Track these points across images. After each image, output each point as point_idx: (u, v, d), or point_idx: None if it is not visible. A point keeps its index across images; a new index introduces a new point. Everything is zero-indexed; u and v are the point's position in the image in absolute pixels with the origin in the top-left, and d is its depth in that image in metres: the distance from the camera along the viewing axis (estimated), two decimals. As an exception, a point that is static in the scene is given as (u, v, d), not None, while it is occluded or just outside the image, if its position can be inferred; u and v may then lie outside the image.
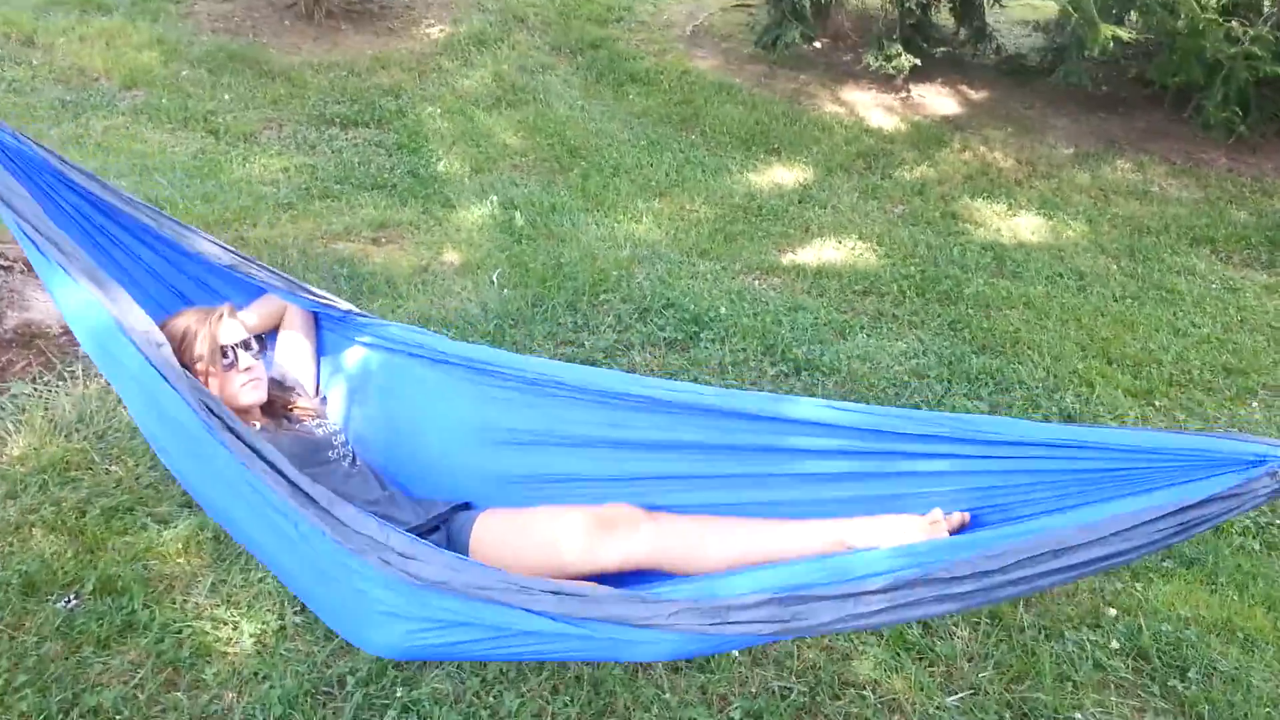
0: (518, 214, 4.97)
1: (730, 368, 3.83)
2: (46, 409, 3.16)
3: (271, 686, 2.35)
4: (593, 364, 3.78)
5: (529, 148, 6.01)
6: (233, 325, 2.21)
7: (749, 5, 8.47)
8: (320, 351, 2.51)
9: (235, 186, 5.05)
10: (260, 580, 2.64)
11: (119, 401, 3.24)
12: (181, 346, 2.14)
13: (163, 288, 2.48)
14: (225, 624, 2.52)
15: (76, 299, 1.94)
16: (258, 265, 2.31)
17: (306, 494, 1.73)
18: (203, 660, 2.41)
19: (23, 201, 2.03)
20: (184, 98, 6.12)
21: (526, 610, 1.56)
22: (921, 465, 1.82)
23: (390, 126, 6.09)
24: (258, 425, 2.18)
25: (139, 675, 2.34)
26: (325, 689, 2.37)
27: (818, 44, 7.89)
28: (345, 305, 2.38)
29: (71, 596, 2.52)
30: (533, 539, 2.01)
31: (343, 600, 1.73)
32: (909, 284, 4.68)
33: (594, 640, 1.56)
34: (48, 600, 2.50)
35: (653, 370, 3.79)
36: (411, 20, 8.07)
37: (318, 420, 2.31)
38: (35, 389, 3.23)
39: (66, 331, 3.57)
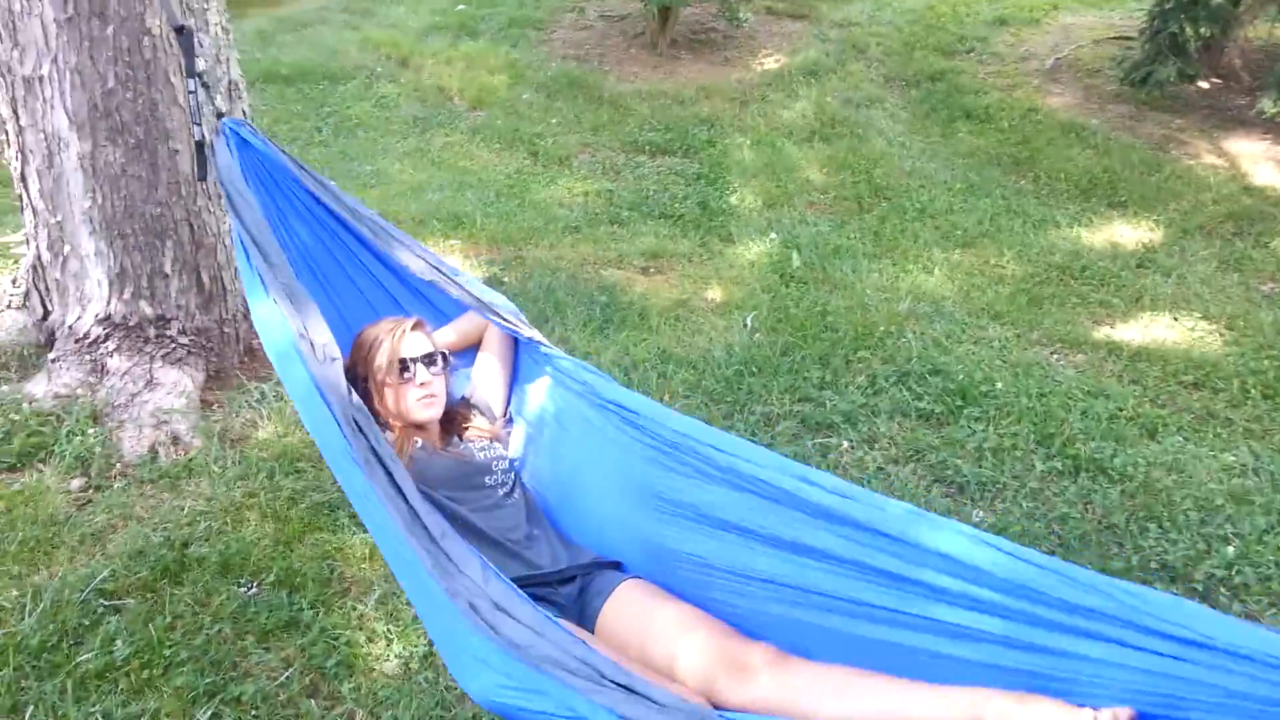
0: (796, 254, 4.70)
1: (989, 454, 3.28)
2: (300, 400, 3.42)
3: (394, 716, 2.31)
4: (829, 427, 3.43)
5: (831, 184, 5.70)
6: (416, 339, 2.22)
7: (1127, 38, 7.48)
8: (514, 376, 2.46)
9: (535, 207, 5.27)
10: (422, 602, 2.63)
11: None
12: (366, 355, 2.21)
13: (383, 295, 2.57)
14: (379, 639, 2.53)
15: (266, 312, 2.03)
16: (456, 282, 2.29)
17: (422, 524, 1.68)
18: (345, 672, 2.43)
19: (249, 210, 2.15)
20: (517, 119, 6.54)
21: (590, 700, 1.37)
22: (1079, 646, 1.37)
23: (696, 156, 6.07)
24: (419, 442, 2.15)
25: (285, 675, 2.40)
26: (444, 731, 2.29)
27: (1203, 84, 6.76)
28: (529, 331, 2.31)
29: (254, 585, 2.67)
30: (658, 638, 1.82)
31: (449, 636, 1.66)
32: (1257, 381, 3.78)
33: None
34: (236, 583, 2.66)
35: (895, 444, 3.35)
36: (750, 50, 8.06)
37: (485, 445, 2.24)
38: (296, 380, 3.52)
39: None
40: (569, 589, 1.97)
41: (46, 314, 3.54)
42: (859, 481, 3.08)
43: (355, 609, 2.62)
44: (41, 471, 3.05)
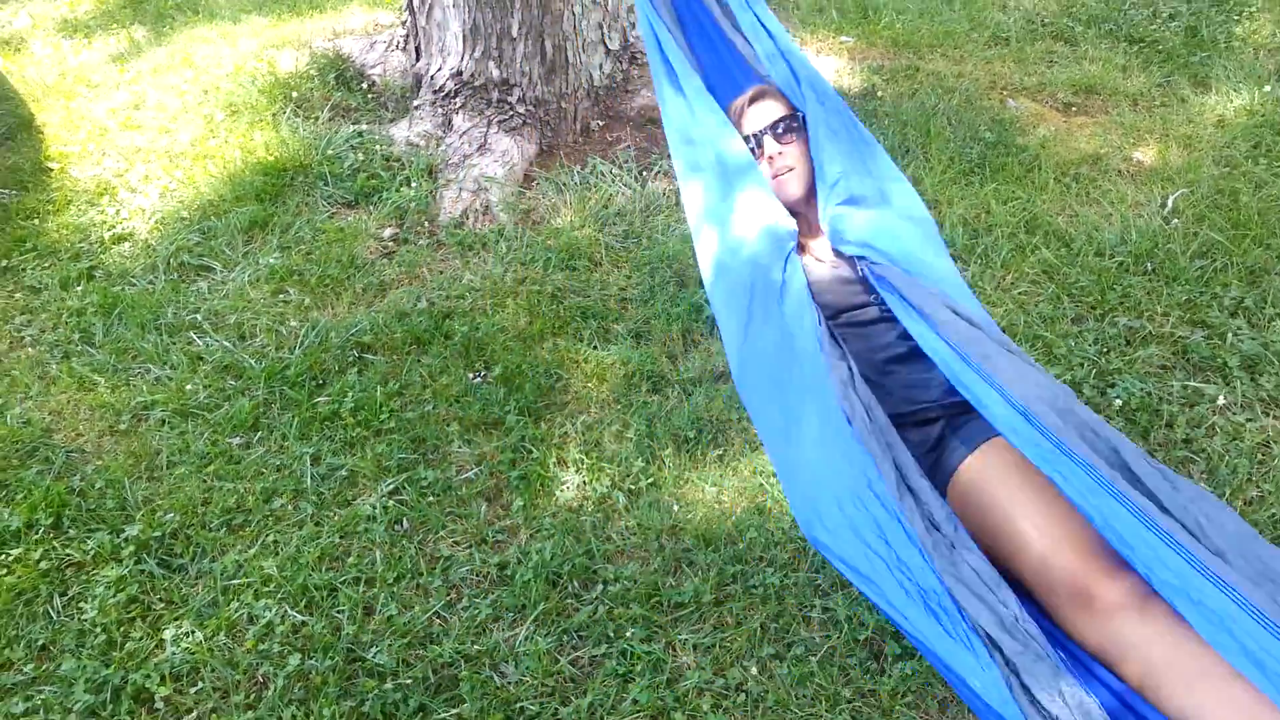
0: (1293, 118, 3.42)
1: None
2: (609, 191, 3.26)
3: (543, 549, 2.20)
4: (1216, 370, 2.53)
5: None
6: (759, 110, 1.90)
7: None
8: None
9: (967, 7, 4.38)
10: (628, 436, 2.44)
11: (653, 211, 3.20)
12: None
13: None
14: (569, 466, 2.40)
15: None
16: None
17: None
18: (524, 486, 2.34)
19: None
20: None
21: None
22: None
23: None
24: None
25: (471, 472, 2.39)
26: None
27: None
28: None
29: (484, 374, 2.66)
30: (1011, 520, 1.41)
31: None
32: None
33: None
34: (469, 367, 2.67)
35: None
36: None
37: None
38: (613, 170, 3.35)
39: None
40: (923, 433, 1.57)
41: (418, 58, 3.69)
42: (1219, 459, 2.25)
43: (562, 427, 2.51)
44: (368, 214, 3.27)
